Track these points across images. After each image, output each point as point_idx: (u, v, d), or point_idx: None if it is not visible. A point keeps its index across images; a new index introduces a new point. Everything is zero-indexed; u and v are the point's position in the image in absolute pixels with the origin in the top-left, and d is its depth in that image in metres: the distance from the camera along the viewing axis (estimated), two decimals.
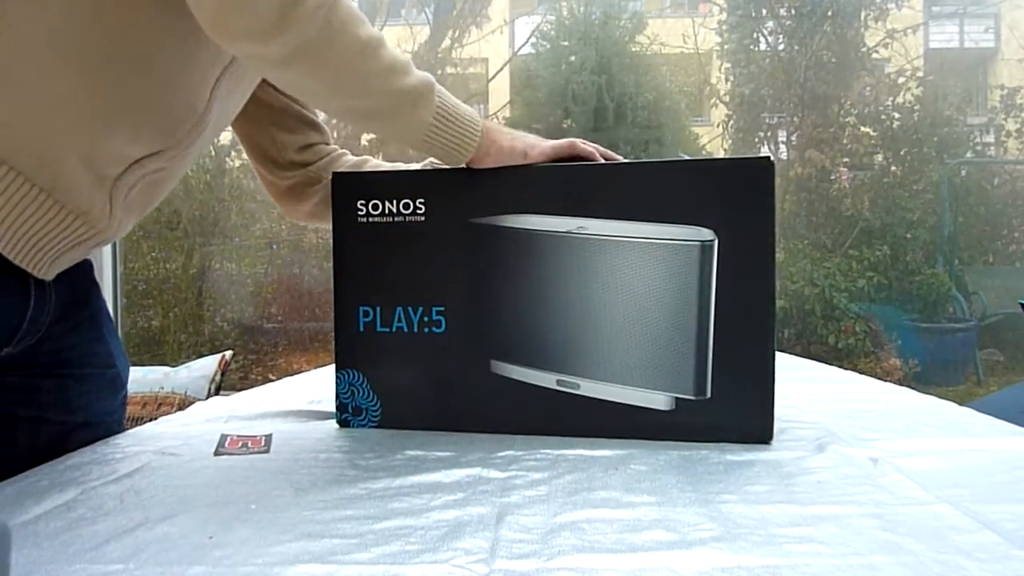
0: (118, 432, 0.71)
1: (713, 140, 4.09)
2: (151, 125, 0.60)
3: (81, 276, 0.70)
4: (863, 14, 3.91)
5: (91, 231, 0.61)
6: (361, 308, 0.68)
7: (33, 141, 0.55)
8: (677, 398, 0.62)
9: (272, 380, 1.03)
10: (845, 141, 3.85)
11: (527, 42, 4.28)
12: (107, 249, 1.97)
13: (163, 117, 0.60)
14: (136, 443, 0.65)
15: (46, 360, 0.67)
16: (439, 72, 3.98)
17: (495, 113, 4.21)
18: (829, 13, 3.82)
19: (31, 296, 0.61)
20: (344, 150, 0.87)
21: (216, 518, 0.46)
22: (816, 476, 0.52)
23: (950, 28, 4.52)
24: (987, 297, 3.68)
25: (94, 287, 0.73)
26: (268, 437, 0.65)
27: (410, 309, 0.67)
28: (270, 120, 0.80)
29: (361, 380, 0.69)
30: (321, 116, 0.86)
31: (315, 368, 1.09)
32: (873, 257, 3.62)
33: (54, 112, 0.55)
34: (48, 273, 0.61)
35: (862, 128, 3.88)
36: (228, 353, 1.94)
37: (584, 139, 0.73)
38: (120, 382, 0.75)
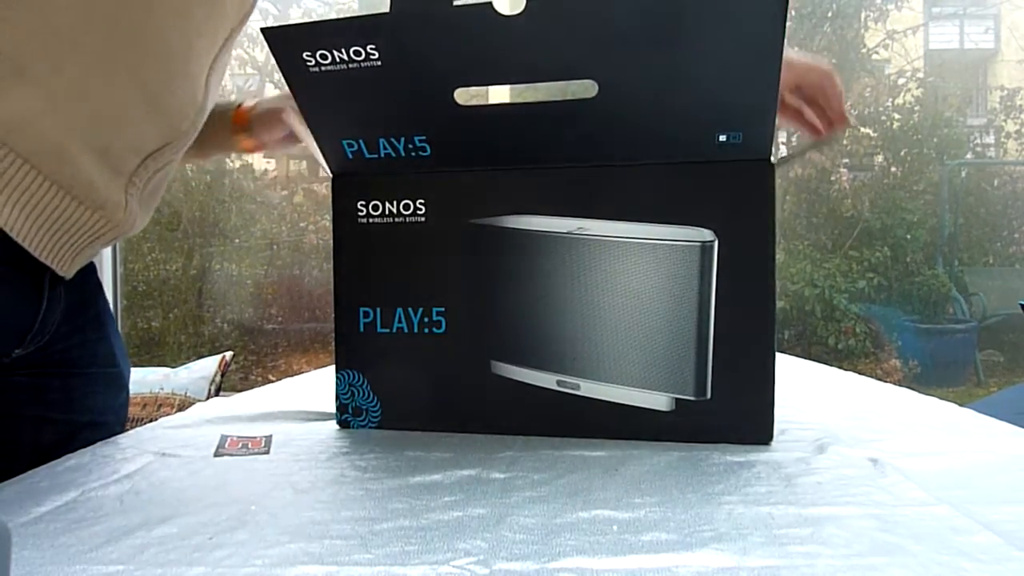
0: (121, 432, 0.71)
1: None
2: (160, 116, 0.60)
3: (87, 277, 0.71)
4: (863, 15, 3.91)
5: (108, 224, 0.61)
6: (361, 309, 0.68)
7: (51, 139, 0.54)
8: (677, 399, 0.62)
9: (272, 381, 1.03)
10: (845, 142, 3.85)
11: None
12: (107, 250, 1.97)
13: (171, 108, 0.61)
14: (136, 444, 0.64)
15: (55, 359, 0.67)
16: None
17: None
18: (829, 14, 3.82)
19: (44, 297, 0.61)
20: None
21: (216, 519, 0.46)
22: (816, 477, 0.52)
23: (950, 29, 4.51)
24: (987, 298, 3.68)
25: (99, 287, 0.74)
26: (268, 438, 0.65)
27: (410, 310, 0.67)
28: None
29: (361, 381, 0.69)
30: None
31: (315, 369, 1.09)
32: (873, 258, 3.61)
33: (70, 106, 0.55)
34: (70, 269, 0.62)
35: (862, 129, 3.87)
36: (228, 354, 1.95)
37: None
38: (122, 381, 0.76)
